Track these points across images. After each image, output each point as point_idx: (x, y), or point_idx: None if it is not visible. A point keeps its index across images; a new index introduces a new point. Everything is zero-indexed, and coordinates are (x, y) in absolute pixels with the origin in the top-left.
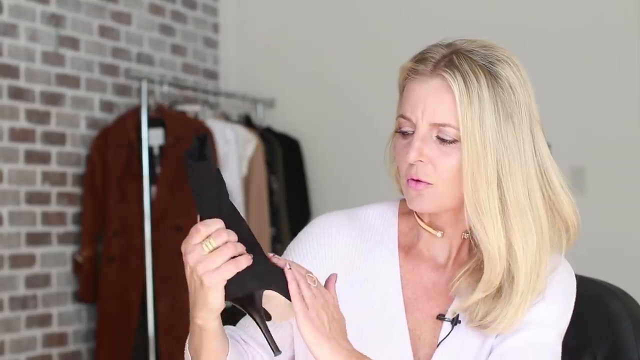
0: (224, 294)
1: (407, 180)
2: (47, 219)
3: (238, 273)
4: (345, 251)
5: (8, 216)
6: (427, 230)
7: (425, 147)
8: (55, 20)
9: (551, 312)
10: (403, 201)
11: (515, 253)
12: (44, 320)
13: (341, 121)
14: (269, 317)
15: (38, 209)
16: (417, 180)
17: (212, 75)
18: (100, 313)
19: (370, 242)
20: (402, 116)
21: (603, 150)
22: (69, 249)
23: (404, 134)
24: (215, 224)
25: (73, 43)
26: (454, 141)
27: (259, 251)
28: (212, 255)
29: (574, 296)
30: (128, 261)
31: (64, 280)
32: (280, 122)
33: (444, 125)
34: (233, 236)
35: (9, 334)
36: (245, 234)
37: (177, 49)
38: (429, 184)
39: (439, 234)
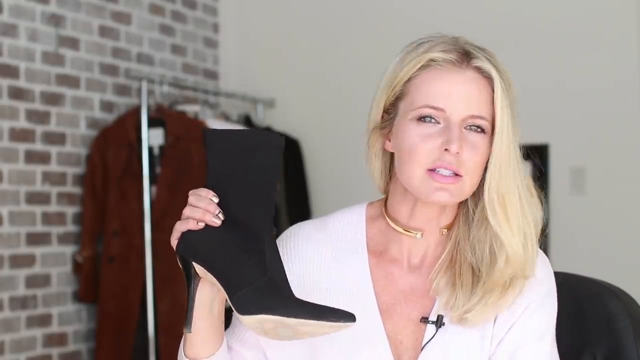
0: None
1: (429, 172)
2: (47, 219)
3: (193, 234)
4: (315, 262)
5: (8, 216)
6: (403, 233)
7: (462, 137)
8: (55, 20)
9: (542, 318)
10: (370, 205)
11: (531, 244)
12: (44, 320)
13: (341, 121)
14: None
15: (38, 209)
16: (447, 174)
17: (212, 75)
18: (100, 313)
19: (338, 249)
20: (431, 106)
21: (603, 150)
22: (69, 249)
23: (425, 123)
24: (200, 191)
25: (73, 43)
26: (482, 132)
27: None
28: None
29: (555, 284)
30: (128, 261)
31: (64, 280)
32: (280, 122)
33: (481, 117)
34: (204, 203)
35: (9, 334)
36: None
37: (177, 49)
38: (458, 176)
39: (418, 235)
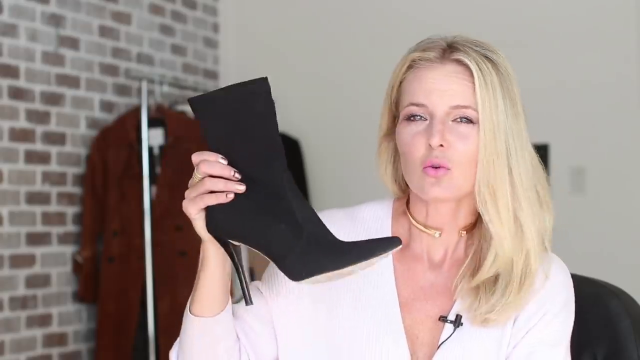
0: (203, 224)
1: (424, 168)
2: (47, 219)
3: (219, 210)
4: None
5: (8, 216)
6: (423, 231)
7: (446, 130)
8: (55, 20)
9: (558, 326)
10: (397, 201)
11: (525, 238)
12: (44, 320)
13: (341, 121)
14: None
15: (38, 209)
16: (437, 167)
17: (212, 75)
18: (100, 313)
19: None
20: (414, 104)
21: (603, 150)
22: (69, 249)
23: (414, 122)
24: (206, 156)
25: (73, 43)
26: (470, 122)
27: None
28: (194, 186)
29: (573, 292)
30: (128, 261)
31: (64, 280)
32: (280, 122)
33: (465, 107)
34: (218, 169)
35: (9, 334)
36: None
37: (177, 49)
38: (448, 169)
39: (436, 234)
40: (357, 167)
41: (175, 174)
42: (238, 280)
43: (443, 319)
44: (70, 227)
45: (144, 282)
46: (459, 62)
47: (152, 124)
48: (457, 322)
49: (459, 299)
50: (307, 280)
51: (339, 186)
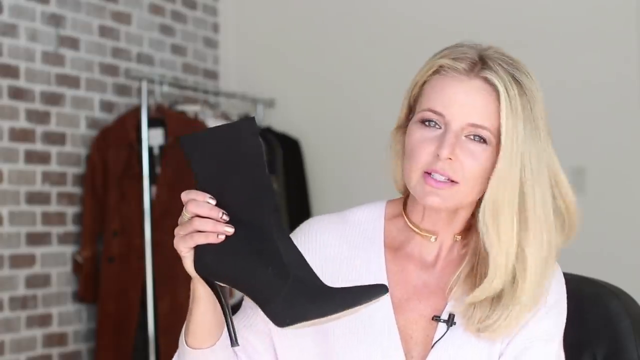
0: (192, 263)
1: (425, 175)
2: (47, 219)
3: (208, 250)
4: (332, 254)
5: (8, 216)
6: (418, 233)
7: (457, 145)
8: (55, 20)
9: (551, 322)
10: (390, 202)
11: (527, 263)
12: (44, 320)
13: (341, 121)
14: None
15: (38, 209)
16: (440, 179)
17: (212, 75)
18: (100, 313)
19: (357, 243)
20: (432, 110)
21: (603, 150)
22: (69, 249)
23: (427, 127)
24: (194, 195)
25: (73, 43)
26: (484, 143)
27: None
28: (183, 224)
29: (565, 291)
30: (128, 261)
31: (64, 280)
32: (280, 122)
33: (482, 127)
34: (206, 210)
35: (9, 334)
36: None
37: (177, 49)
38: (454, 182)
39: (432, 238)
40: (357, 167)
41: (175, 173)
42: (224, 321)
43: (436, 318)
44: (70, 227)
45: (144, 282)
46: (487, 80)
47: (152, 124)
48: (450, 321)
49: (452, 301)
50: (290, 327)
51: (339, 186)
